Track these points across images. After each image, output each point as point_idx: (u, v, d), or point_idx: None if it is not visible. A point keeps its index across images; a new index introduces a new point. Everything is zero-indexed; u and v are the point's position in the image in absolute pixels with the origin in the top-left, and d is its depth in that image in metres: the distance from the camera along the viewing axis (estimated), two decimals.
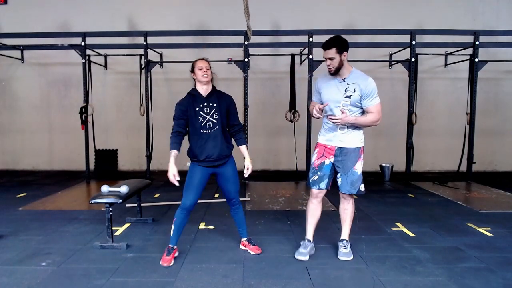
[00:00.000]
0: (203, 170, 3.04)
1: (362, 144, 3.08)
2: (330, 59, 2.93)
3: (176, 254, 3.12)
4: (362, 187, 3.08)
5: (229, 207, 3.28)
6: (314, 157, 3.15)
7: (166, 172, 3.02)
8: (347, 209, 3.17)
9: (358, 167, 3.04)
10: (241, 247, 3.35)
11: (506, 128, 8.00)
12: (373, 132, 8.05)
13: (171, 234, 3.09)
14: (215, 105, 3.01)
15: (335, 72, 2.97)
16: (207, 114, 2.98)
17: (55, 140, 8.11)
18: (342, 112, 2.90)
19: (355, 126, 3.01)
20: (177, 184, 2.89)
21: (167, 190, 5.77)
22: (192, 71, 3.05)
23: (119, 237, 3.62)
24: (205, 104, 3.00)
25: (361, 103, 2.94)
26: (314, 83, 3.34)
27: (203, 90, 3.04)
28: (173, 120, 3.04)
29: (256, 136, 7.51)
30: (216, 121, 2.99)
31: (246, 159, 3.17)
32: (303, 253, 3.12)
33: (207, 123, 2.98)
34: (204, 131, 2.98)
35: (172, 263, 3.02)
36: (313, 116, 3.00)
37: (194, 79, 3.07)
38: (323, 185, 3.08)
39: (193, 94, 3.04)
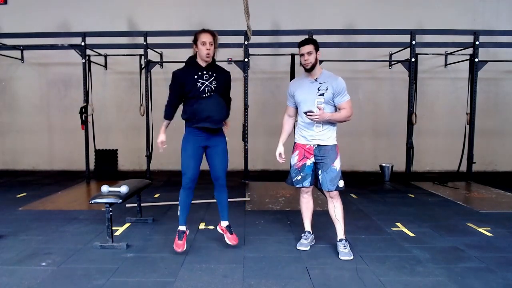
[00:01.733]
0: (195, 142, 3.04)
1: (336, 141, 3.23)
2: (309, 53, 3.08)
3: (187, 234, 3.21)
4: (341, 183, 3.18)
5: (214, 187, 3.25)
6: (295, 159, 3.28)
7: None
8: (336, 207, 3.23)
9: (337, 164, 3.17)
10: (218, 229, 3.36)
11: (506, 128, 8.00)
12: (373, 132, 8.10)
13: (179, 214, 3.15)
14: (214, 75, 3.02)
15: (311, 69, 3.11)
16: (206, 80, 2.98)
17: (55, 140, 8.11)
18: (319, 109, 3.03)
19: (330, 124, 3.15)
20: (161, 150, 3.08)
21: (167, 190, 5.77)
22: (195, 43, 2.97)
23: (119, 237, 3.62)
24: (204, 72, 3.00)
25: (333, 101, 3.12)
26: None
27: (203, 62, 3.02)
28: (169, 89, 3.04)
29: (256, 136, 7.51)
30: (214, 88, 3.00)
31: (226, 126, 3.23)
32: (304, 244, 3.33)
33: (206, 88, 2.98)
34: (204, 95, 2.97)
35: (185, 247, 3.09)
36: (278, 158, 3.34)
37: (196, 52, 3.00)
38: (307, 183, 3.27)
39: (191, 63, 3.02)
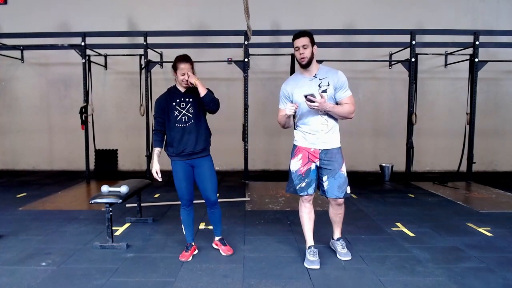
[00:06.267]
0: (183, 164, 3.07)
1: (340, 144, 3.03)
2: (304, 47, 2.85)
3: (196, 252, 3.21)
4: (348, 190, 3.01)
5: (206, 208, 3.23)
6: (298, 164, 2.99)
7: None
8: (340, 214, 3.14)
9: (344, 169, 2.99)
10: (214, 245, 3.36)
11: (506, 128, 8.00)
12: (373, 132, 8.09)
13: (184, 233, 3.19)
14: (191, 100, 3.04)
15: (307, 64, 2.89)
16: (183, 108, 3.02)
17: (55, 140, 8.11)
18: (322, 97, 2.79)
19: (334, 123, 2.95)
20: (159, 180, 3.10)
21: (167, 190, 5.77)
22: (174, 70, 3.02)
23: (119, 237, 3.62)
24: (182, 99, 3.04)
25: (335, 97, 2.92)
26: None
27: (182, 88, 3.08)
28: (153, 118, 3.09)
29: (256, 136, 7.51)
30: (191, 115, 3.02)
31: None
32: (315, 262, 2.97)
33: (183, 117, 3.01)
34: (179, 125, 3.01)
35: (190, 258, 3.10)
36: (288, 114, 2.90)
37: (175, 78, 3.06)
38: (311, 190, 3.01)
39: (171, 90, 3.11)
